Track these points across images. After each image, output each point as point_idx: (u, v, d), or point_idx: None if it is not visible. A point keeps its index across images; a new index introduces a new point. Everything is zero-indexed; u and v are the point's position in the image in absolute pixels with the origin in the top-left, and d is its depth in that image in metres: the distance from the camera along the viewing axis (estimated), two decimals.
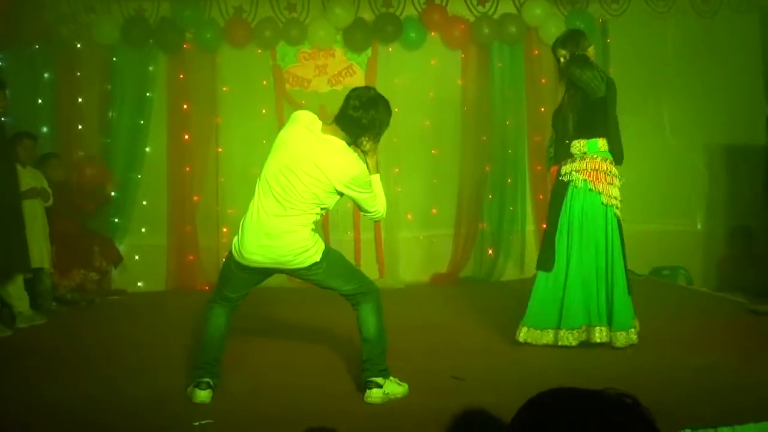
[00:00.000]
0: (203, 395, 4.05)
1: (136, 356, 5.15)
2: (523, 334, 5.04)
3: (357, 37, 7.78)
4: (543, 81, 8.00)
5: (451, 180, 7.99)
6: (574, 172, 4.99)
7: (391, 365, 4.64)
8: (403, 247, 8.02)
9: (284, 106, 7.89)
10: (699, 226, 8.05)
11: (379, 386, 4.08)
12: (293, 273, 4.24)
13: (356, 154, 4.10)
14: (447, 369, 4.59)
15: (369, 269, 7.96)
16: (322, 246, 4.10)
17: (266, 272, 4.23)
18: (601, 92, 4.92)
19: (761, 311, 6.01)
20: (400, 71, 7.87)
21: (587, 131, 5.01)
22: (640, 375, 4.27)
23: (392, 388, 4.12)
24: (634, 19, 7.92)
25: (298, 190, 3.97)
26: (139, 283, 7.85)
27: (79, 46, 7.64)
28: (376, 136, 4.11)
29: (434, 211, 8.03)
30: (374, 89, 4.37)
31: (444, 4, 7.84)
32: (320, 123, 4.12)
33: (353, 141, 4.05)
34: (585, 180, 4.95)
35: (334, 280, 4.20)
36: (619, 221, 5.04)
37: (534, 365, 4.68)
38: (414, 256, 8.02)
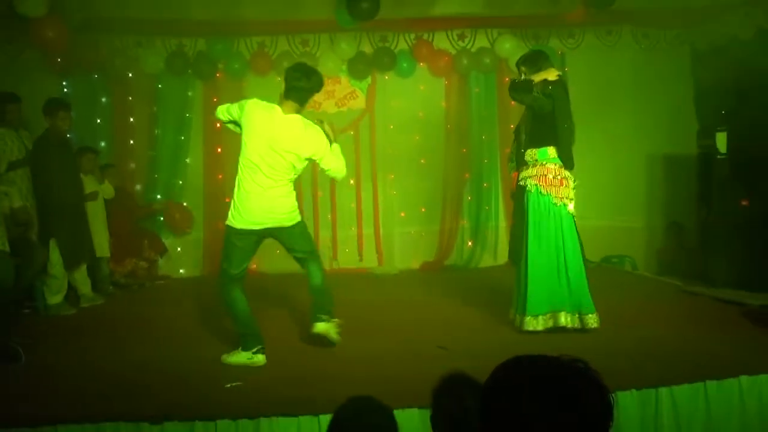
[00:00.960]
0: (263, 358, 4.15)
1: (178, 330, 5.14)
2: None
3: (359, 67, 7.76)
4: (512, 104, 7.93)
5: (436, 184, 7.97)
6: (528, 178, 4.85)
7: (386, 335, 4.66)
8: (398, 240, 8.01)
9: None
10: (642, 222, 8.03)
11: (323, 321, 4.35)
12: (280, 232, 4.32)
13: (317, 126, 4.34)
14: (433, 339, 4.57)
15: (370, 258, 7.99)
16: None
17: (259, 239, 4.31)
18: (546, 108, 4.77)
19: (693, 292, 6.01)
20: (394, 95, 7.86)
21: (538, 141, 4.84)
22: (592, 344, 4.26)
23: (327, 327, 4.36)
24: (588, 51, 7.90)
25: (281, 164, 4.20)
26: (181, 270, 7.82)
27: (130, 75, 7.60)
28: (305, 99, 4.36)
29: (423, 210, 8.01)
30: (304, 63, 4.71)
31: (430, 39, 7.82)
32: (274, 105, 4.25)
33: (303, 106, 4.30)
34: (536, 184, 4.79)
35: (304, 239, 4.48)
36: (572, 218, 4.88)
37: (508, 336, 4.68)
38: (407, 247, 8.00)
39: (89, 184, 6.38)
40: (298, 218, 4.36)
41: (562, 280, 4.74)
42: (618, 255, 7.85)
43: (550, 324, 4.69)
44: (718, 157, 6.59)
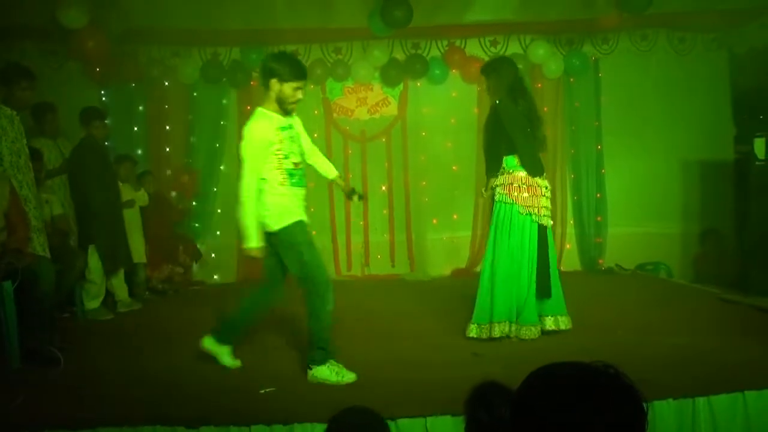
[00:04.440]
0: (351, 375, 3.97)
1: None
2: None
3: (391, 74, 7.78)
4: (545, 109, 7.91)
5: (468, 191, 7.93)
6: (497, 186, 4.77)
7: (419, 341, 4.65)
8: (430, 247, 8.00)
9: (332, 131, 7.93)
10: (677, 229, 7.90)
11: None
12: None
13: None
14: (466, 346, 4.56)
15: (401, 265, 7.99)
16: None
17: None
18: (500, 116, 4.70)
19: (730, 300, 5.89)
20: (426, 102, 7.86)
21: (507, 149, 4.74)
22: (627, 352, 4.20)
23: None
24: (621, 56, 7.82)
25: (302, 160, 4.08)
26: (215, 276, 7.91)
27: (166, 84, 7.73)
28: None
29: (455, 216, 7.99)
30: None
31: (463, 46, 7.81)
32: (263, 108, 4.03)
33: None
34: (501, 193, 4.72)
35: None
36: (540, 227, 4.70)
37: (539, 342, 4.63)
38: (438, 254, 7.98)
39: (126, 192, 6.49)
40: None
41: (521, 291, 4.68)
42: (653, 262, 7.74)
43: (485, 335, 4.68)
44: (757, 163, 6.45)
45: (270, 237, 3.98)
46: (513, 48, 7.80)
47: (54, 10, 6.13)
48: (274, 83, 3.93)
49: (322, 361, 3.92)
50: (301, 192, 4.02)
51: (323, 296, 3.91)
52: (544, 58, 7.70)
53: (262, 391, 3.69)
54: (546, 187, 4.77)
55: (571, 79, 7.89)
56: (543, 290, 4.72)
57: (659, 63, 7.78)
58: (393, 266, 7.98)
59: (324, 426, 3.20)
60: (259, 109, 4.03)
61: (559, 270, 5.06)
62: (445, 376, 3.83)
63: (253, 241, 3.90)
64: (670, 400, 3.40)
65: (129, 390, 3.80)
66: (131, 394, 3.71)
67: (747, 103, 7.35)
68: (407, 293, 6.82)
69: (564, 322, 4.83)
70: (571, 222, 8.01)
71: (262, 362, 4.34)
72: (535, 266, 4.69)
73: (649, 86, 7.76)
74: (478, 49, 7.83)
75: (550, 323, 4.80)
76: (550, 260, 4.77)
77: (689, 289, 6.82)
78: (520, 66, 7.66)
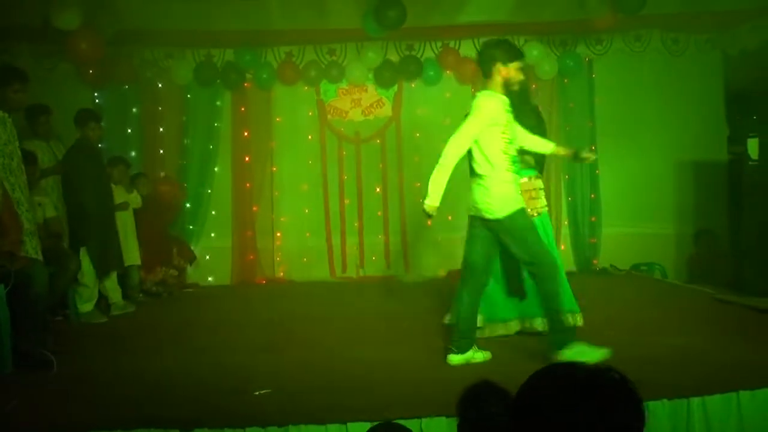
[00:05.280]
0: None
1: (207, 336, 5.18)
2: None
3: (385, 75, 7.78)
4: (539, 110, 7.93)
5: (463, 192, 7.93)
6: None
7: (414, 343, 4.64)
8: (424, 248, 8.00)
9: (326, 132, 7.93)
10: (671, 230, 7.93)
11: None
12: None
13: None
14: None
15: (396, 266, 7.99)
16: None
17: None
18: None
19: (724, 300, 5.91)
20: (421, 103, 7.87)
21: None
22: (621, 353, 4.20)
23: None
24: (615, 57, 7.85)
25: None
26: (210, 278, 7.89)
27: (160, 85, 7.72)
28: None
29: (449, 217, 7.95)
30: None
31: (457, 47, 7.82)
32: (490, 91, 4.07)
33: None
34: None
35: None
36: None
37: (536, 343, 4.63)
38: (433, 255, 7.98)
39: (119, 194, 6.48)
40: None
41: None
42: (647, 263, 7.76)
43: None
44: (750, 163, 6.49)
45: (490, 223, 4.06)
46: None
47: (47, 11, 6.11)
48: (499, 67, 4.03)
49: (565, 344, 3.93)
50: (518, 179, 4.15)
51: (554, 277, 3.98)
52: (538, 59, 7.71)
53: (257, 393, 3.68)
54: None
55: (565, 80, 7.91)
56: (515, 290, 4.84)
57: (653, 64, 7.81)
58: (388, 267, 7.98)
59: (320, 427, 3.22)
60: (487, 92, 4.08)
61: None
62: (440, 377, 3.83)
63: (436, 201, 4.21)
64: (665, 400, 3.41)
65: (123, 393, 3.78)
66: (125, 397, 3.69)
67: (740, 103, 7.39)
68: (402, 294, 6.82)
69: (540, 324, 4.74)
70: (566, 222, 8.02)
71: (256, 364, 4.33)
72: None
73: (642, 87, 7.78)
74: (472, 51, 7.81)
75: (538, 324, 4.78)
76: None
77: (683, 289, 6.84)
78: None
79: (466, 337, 4.17)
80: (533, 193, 4.78)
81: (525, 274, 4.69)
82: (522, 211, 4.08)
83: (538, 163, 4.91)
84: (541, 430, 1.24)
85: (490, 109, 4.02)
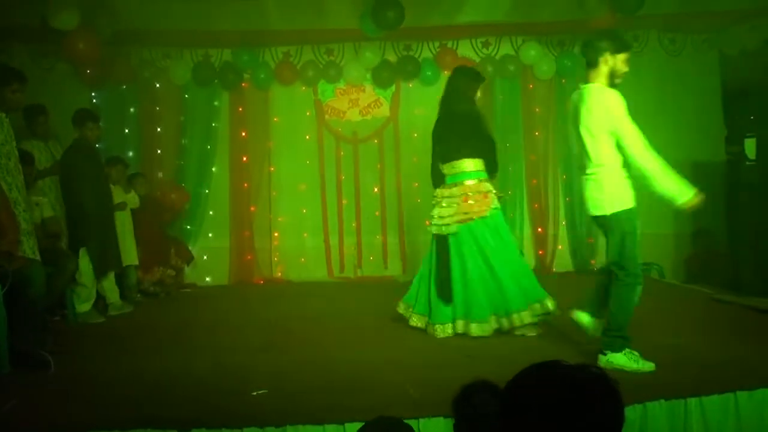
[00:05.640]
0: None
1: (205, 336, 5.18)
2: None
3: (383, 75, 7.79)
4: (537, 110, 7.97)
5: None
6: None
7: (412, 343, 4.64)
8: (422, 248, 7.96)
9: (324, 132, 7.93)
10: (669, 230, 7.93)
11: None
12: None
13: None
14: (460, 347, 4.56)
15: (394, 266, 7.98)
16: None
17: None
18: None
19: (722, 300, 5.92)
20: (418, 103, 7.85)
21: None
22: None
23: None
24: None
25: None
26: (207, 278, 7.89)
27: (158, 85, 7.72)
28: None
29: None
30: None
31: (455, 47, 7.83)
32: (600, 84, 4.01)
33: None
34: None
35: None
36: (437, 237, 5.01)
37: (532, 342, 4.64)
38: None
39: (117, 194, 6.48)
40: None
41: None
42: (645, 262, 7.73)
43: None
44: (747, 163, 6.51)
45: (597, 219, 4.03)
46: (505, 49, 7.83)
47: (44, 11, 6.11)
48: (607, 58, 3.97)
49: (620, 349, 3.89)
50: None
51: (633, 287, 3.94)
52: (535, 59, 7.73)
53: (255, 393, 3.68)
54: (437, 197, 5.01)
55: (563, 80, 7.92)
56: (442, 295, 4.89)
57: (650, 63, 7.82)
58: (385, 268, 7.98)
59: (318, 428, 3.22)
60: (598, 85, 4.01)
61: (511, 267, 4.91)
62: (438, 376, 3.83)
63: (689, 189, 4.08)
64: (662, 400, 3.41)
65: (120, 393, 3.78)
66: (123, 397, 3.69)
67: (737, 103, 7.40)
68: (400, 295, 6.79)
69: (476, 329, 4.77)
70: (563, 223, 8.03)
71: (254, 364, 4.33)
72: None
73: (640, 87, 7.75)
74: (469, 51, 7.86)
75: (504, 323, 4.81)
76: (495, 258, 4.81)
77: (681, 289, 6.85)
78: (511, 67, 7.77)
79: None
80: (480, 196, 4.80)
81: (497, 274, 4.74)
82: (631, 212, 3.99)
83: (490, 166, 4.90)
84: (528, 427, 1.27)
85: (622, 101, 3.98)
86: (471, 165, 4.86)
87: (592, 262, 7.93)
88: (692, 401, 3.44)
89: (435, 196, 5.01)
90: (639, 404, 3.35)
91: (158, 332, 5.43)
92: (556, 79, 7.90)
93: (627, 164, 3.96)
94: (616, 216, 3.95)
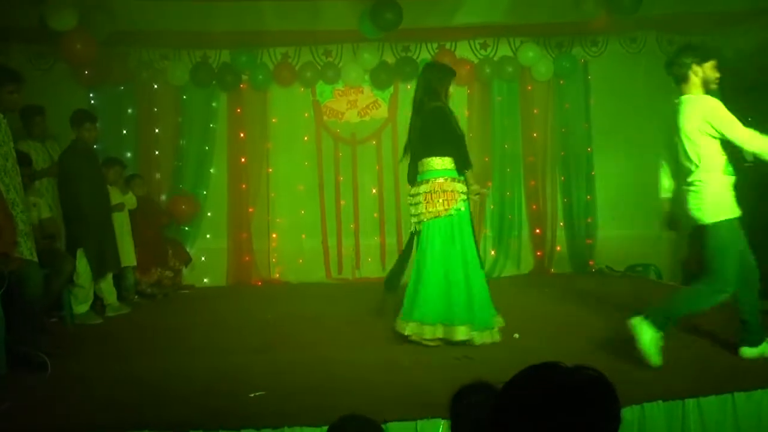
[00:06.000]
0: None
1: (203, 338, 5.18)
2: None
3: (381, 77, 7.79)
4: (535, 111, 7.97)
5: None
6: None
7: (409, 344, 4.63)
8: None
9: (322, 134, 7.93)
10: (666, 230, 7.92)
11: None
12: None
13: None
14: (457, 349, 4.55)
15: None
16: None
17: None
18: None
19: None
20: None
21: None
22: (616, 354, 4.21)
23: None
24: (611, 58, 7.88)
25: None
26: (205, 279, 7.87)
27: (155, 86, 7.71)
28: None
29: None
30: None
31: (453, 48, 7.83)
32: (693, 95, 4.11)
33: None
34: None
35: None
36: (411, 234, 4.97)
37: (530, 343, 4.64)
38: None
39: (114, 195, 6.46)
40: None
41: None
42: (643, 264, 7.77)
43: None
44: (745, 164, 6.49)
45: (699, 227, 4.08)
46: (503, 50, 7.84)
47: (42, 12, 6.10)
48: (696, 69, 4.10)
49: (659, 327, 3.92)
50: (733, 181, 4.09)
51: (711, 295, 3.97)
52: (533, 61, 7.74)
53: (252, 395, 3.68)
54: (409, 195, 4.96)
55: (561, 82, 7.93)
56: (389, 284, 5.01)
57: (648, 65, 7.81)
58: (384, 269, 7.94)
59: (313, 429, 3.21)
60: (692, 96, 4.16)
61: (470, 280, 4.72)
62: (436, 378, 3.82)
63: None
64: (660, 401, 3.41)
65: (118, 394, 3.77)
66: (120, 399, 3.68)
67: (735, 104, 7.39)
68: (397, 296, 6.80)
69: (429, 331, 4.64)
70: (562, 224, 8.04)
71: (252, 365, 4.32)
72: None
73: (638, 88, 7.80)
74: (468, 52, 7.86)
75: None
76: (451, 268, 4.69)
77: (679, 290, 6.84)
78: (510, 69, 7.77)
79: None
80: (447, 195, 4.72)
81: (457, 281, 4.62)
82: (730, 224, 4.02)
83: (460, 163, 4.80)
84: (524, 428, 1.27)
85: (715, 103, 4.06)
86: (439, 163, 4.76)
87: (591, 263, 7.94)
88: (690, 402, 3.44)
89: (409, 195, 4.96)
90: (637, 405, 3.35)
91: (156, 334, 5.43)
92: (554, 80, 7.91)
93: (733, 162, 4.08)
94: (715, 226, 4.00)
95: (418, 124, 4.86)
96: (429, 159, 4.79)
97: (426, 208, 4.76)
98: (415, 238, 4.92)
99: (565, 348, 4.46)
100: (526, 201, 8.01)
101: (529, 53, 7.71)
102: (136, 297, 6.77)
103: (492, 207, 7.99)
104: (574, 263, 7.98)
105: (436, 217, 4.74)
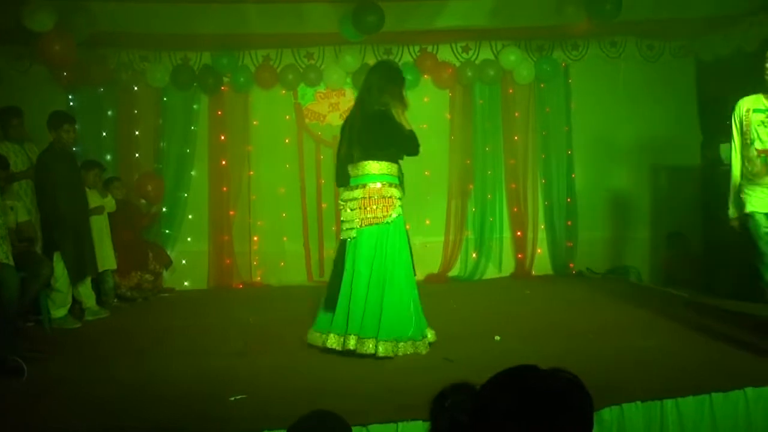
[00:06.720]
0: None
1: (183, 341, 5.14)
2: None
3: (363, 79, 7.77)
4: (516, 114, 8.02)
5: (441, 196, 7.98)
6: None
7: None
8: None
9: (304, 136, 7.92)
10: (646, 233, 8.03)
11: None
12: None
13: None
14: (439, 351, 4.56)
15: None
16: None
17: None
18: None
19: (698, 302, 5.99)
20: None
21: None
22: (596, 355, 4.25)
23: None
24: (591, 62, 7.94)
25: None
26: (186, 283, 7.82)
27: (136, 88, 7.65)
28: None
29: (427, 221, 8.01)
30: None
31: (435, 51, 7.86)
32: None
33: None
34: None
35: None
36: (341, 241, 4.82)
37: (513, 345, 4.66)
38: None
39: (93, 198, 6.41)
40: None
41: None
42: (623, 266, 7.85)
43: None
44: (722, 168, 6.58)
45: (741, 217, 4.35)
46: (484, 54, 7.88)
47: (19, 13, 6.03)
48: None
49: None
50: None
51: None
52: (515, 64, 7.78)
53: (232, 399, 3.66)
54: (342, 200, 4.76)
55: (542, 85, 7.98)
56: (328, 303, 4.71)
57: (628, 69, 7.92)
58: None
59: None
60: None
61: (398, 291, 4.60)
62: (417, 381, 3.83)
63: None
64: (639, 402, 3.44)
65: (96, 398, 3.74)
66: (98, 403, 3.65)
67: (713, 109, 7.49)
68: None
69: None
70: (542, 226, 8.08)
71: (232, 368, 4.31)
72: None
73: (618, 92, 7.89)
74: (450, 55, 7.89)
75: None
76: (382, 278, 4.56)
77: (658, 292, 6.92)
78: (491, 72, 7.81)
79: None
80: (384, 201, 4.60)
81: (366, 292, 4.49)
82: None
83: (409, 152, 4.76)
84: (500, 430, 1.28)
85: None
86: (376, 168, 4.62)
87: (571, 265, 7.99)
88: (668, 403, 3.48)
89: (340, 200, 4.78)
90: (616, 406, 3.38)
91: (135, 337, 5.38)
92: (535, 83, 7.96)
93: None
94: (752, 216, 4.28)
95: (357, 125, 4.69)
96: (366, 162, 4.62)
97: (363, 214, 4.59)
98: (349, 244, 4.68)
99: (546, 350, 4.49)
100: (507, 203, 8.05)
101: (511, 57, 7.76)
102: (116, 301, 6.71)
103: (473, 209, 8.02)
104: (555, 265, 8.03)
105: (371, 224, 4.58)
